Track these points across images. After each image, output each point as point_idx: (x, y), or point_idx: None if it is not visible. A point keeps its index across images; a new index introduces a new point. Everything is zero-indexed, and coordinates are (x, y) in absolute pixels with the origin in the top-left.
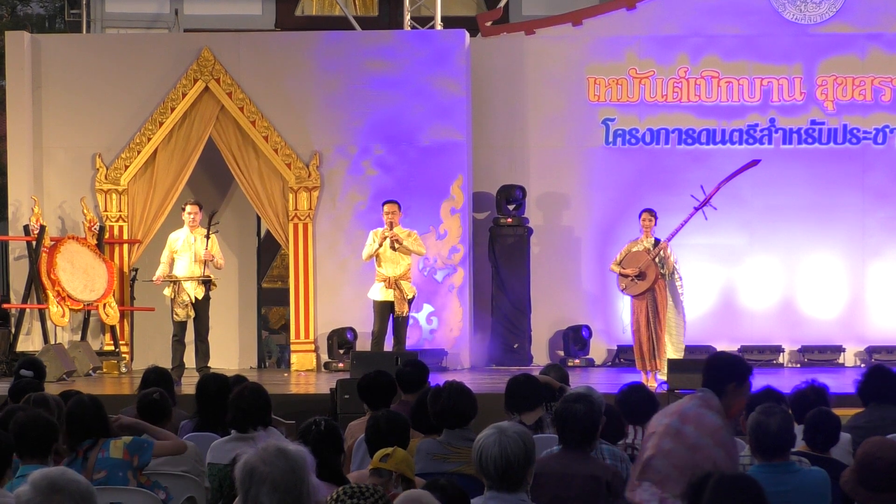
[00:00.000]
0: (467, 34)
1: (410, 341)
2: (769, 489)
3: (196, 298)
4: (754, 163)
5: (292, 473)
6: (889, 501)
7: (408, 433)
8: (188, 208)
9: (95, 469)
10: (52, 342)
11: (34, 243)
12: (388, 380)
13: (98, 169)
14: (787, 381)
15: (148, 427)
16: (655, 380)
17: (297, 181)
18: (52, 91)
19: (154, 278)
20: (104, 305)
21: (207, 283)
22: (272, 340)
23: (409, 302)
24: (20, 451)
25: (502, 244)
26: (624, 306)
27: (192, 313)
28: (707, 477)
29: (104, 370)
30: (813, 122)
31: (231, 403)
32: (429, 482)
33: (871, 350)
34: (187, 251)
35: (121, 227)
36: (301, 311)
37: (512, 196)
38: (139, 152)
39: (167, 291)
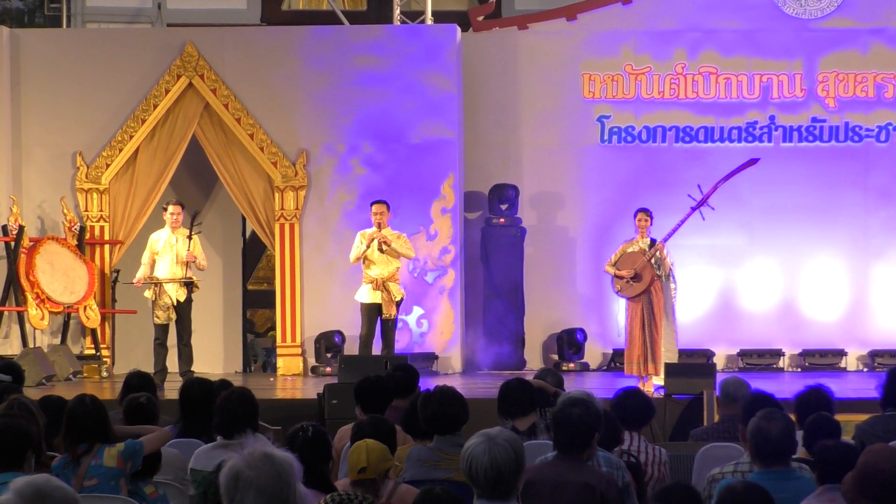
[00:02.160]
0: (458, 29)
1: (400, 345)
2: None
3: (178, 301)
4: (753, 162)
5: (278, 479)
6: None
7: (394, 439)
8: (170, 208)
9: (87, 476)
10: (31, 346)
11: (13, 244)
12: (386, 384)
13: (78, 167)
14: (787, 386)
15: (126, 429)
16: (652, 385)
17: (284, 180)
18: (31, 87)
19: (135, 280)
20: (85, 308)
21: (189, 284)
22: (258, 344)
23: (398, 304)
24: None
25: (495, 245)
26: (619, 309)
27: (174, 316)
28: (674, 488)
29: (85, 375)
30: (814, 120)
31: (218, 408)
32: (423, 490)
33: (873, 354)
34: (169, 252)
35: (102, 228)
36: (287, 314)
37: (504, 195)
38: (121, 150)
39: (148, 294)
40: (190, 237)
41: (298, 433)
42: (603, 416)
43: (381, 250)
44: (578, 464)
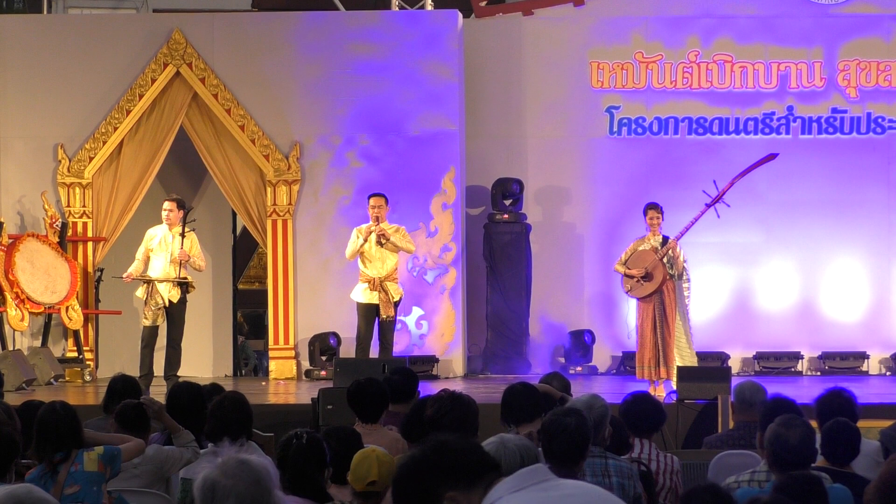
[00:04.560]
0: (460, 15)
1: (399, 347)
2: None
3: (170, 302)
4: (772, 157)
5: (257, 485)
6: None
7: (361, 447)
8: (165, 204)
9: (67, 484)
10: (11, 348)
11: None
12: (380, 388)
13: (60, 161)
14: (806, 391)
15: (99, 436)
16: (664, 389)
17: (276, 174)
18: (10, 76)
19: (124, 275)
20: (67, 308)
21: (184, 285)
22: (249, 346)
23: (396, 305)
24: None
25: (498, 242)
26: (630, 309)
27: (163, 318)
28: (700, 490)
29: (67, 378)
30: (834, 111)
31: (210, 414)
32: None
33: None
34: (164, 250)
35: (85, 224)
36: (280, 315)
37: (508, 190)
38: (105, 143)
39: (139, 293)
40: (183, 234)
41: (292, 441)
42: (609, 419)
43: (379, 243)
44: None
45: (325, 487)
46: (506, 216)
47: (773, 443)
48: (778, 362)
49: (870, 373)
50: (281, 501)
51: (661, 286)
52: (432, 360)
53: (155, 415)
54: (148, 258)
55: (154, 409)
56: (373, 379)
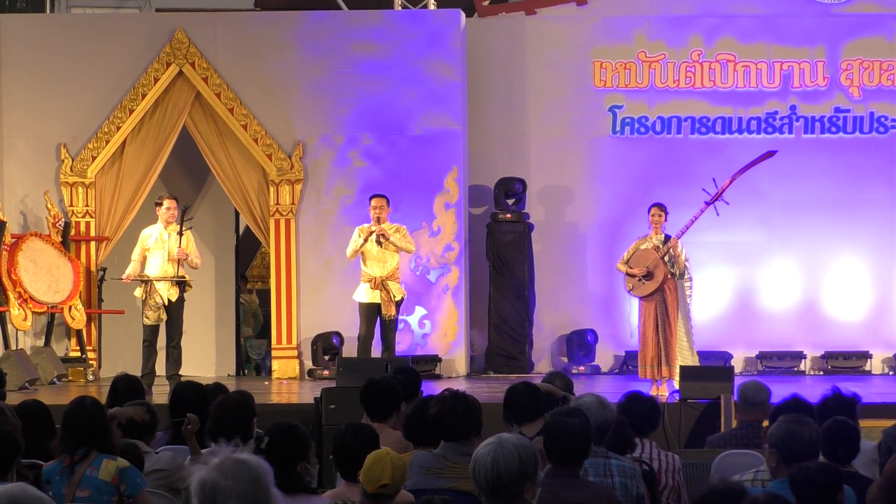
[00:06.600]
0: (463, 14)
1: (402, 346)
2: None
3: (169, 300)
4: (770, 154)
5: (257, 483)
6: None
7: (377, 447)
8: (165, 203)
9: (80, 486)
10: (13, 348)
11: None
12: (394, 389)
13: (63, 160)
14: (809, 390)
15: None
16: (667, 388)
17: (279, 173)
18: (12, 75)
19: (123, 276)
20: (69, 308)
21: (182, 283)
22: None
23: (398, 304)
24: None
25: (501, 241)
26: (632, 309)
27: (164, 316)
28: (712, 492)
29: (70, 378)
30: (837, 110)
31: (211, 413)
32: (421, 500)
33: None
34: (160, 249)
35: (87, 223)
36: (283, 314)
37: (511, 189)
38: (107, 142)
39: (138, 292)
40: (181, 233)
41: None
42: (614, 419)
43: (378, 243)
44: (574, 479)
45: (306, 483)
46: (508, 215)
47: (786, 439)
48: (781, 362)
49: (872, 372)
50: (278, 499)
51: (662, 285)
52: (435, 359)
53: (188, 433)
54: (144, 258)
55: (191, 428)
56: (388, 378)
